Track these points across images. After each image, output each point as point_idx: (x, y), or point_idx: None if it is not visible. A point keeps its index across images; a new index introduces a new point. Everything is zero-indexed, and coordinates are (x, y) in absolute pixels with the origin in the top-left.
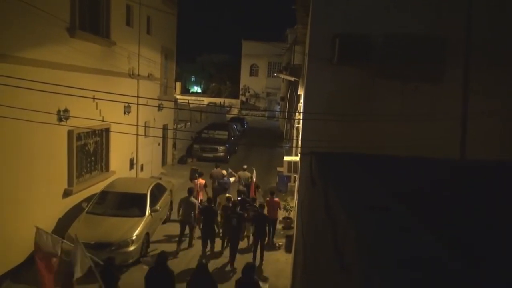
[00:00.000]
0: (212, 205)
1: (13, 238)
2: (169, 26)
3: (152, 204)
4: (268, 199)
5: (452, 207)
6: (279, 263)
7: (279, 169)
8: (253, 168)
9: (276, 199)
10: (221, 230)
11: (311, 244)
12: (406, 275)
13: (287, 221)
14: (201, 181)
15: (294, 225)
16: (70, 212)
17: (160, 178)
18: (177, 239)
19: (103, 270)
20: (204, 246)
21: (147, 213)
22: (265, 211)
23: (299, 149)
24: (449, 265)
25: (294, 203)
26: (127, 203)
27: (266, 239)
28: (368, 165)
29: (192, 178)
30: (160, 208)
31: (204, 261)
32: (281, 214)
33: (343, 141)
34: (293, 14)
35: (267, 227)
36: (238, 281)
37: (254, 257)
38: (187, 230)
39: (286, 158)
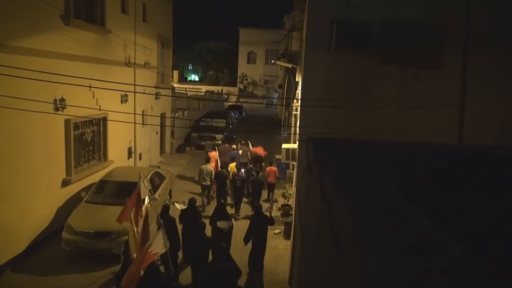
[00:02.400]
0: (224, 170)
1: (12, 228)
2: (165, 13)
3: (151, 193)
4: (268, 168)
5: (450, 192)
6: (278, 249)
7: (277, 156)
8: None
9: (274, 168)
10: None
11: (308, 230)
12: (402, 259)
13: (285, 208)
14: (214, 153)
15: (293, 212)
16: (69, 201)
17: (158, 167)
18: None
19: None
20: (218, 201)
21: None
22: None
23: (297, 136)
24: (447, 249)
25: (292, 190)
26: (126, 191)
27: (268, 198)
28: (366, 151)
29: (208, 151)
30: (159, 196)
31: (222, 201)
32: (280, 202)
33: (341, 127)
34: (291, 0)
35: (261, 189)
36: (252, 216)
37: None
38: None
39: (284, 146)
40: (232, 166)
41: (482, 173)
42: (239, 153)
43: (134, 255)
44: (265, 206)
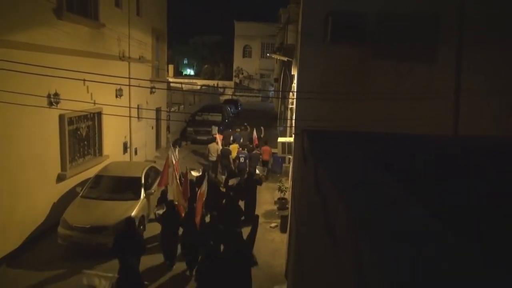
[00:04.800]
0: (228, 148)
1: (8, 223)
2: (160, 6)
3: (147, 187)
4: (263, 147)
5: (444, 182)
6: (274, 242)
7: (273, 150)
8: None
9: (268, 147)
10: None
11: (303, 222)
12: (396, 248)
13: (282, 201)
14: (220, 136)
15: (289, 205)
16: (65, 196)
17: (154, 162)
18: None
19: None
20: (222, 173)
21: (142, 196)
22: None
23: (293, 130)
24: (440, 238)
25: (289, 184)
26: (121, 186)
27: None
28: (361, 143)
29: (214, 134)
30: (154, 191)
31: (233, 167)
32: (276, 195)
33: (337, 120)
34: None
35: (257, 162)
36: (246, 177)
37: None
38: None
39: (280, 139)
40: (234, 146)
41: (476, 164)
42: (241, 136)
43: (176, 202)
44: (258, 169)
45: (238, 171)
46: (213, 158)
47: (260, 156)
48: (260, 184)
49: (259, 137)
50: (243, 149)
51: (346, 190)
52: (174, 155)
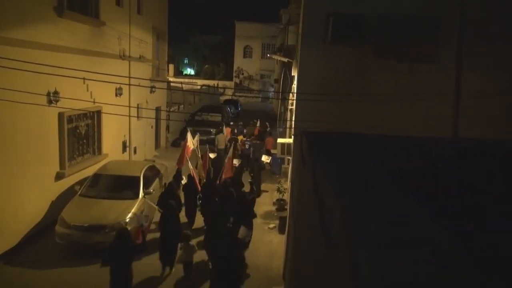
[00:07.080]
0: (235, 137)
1: (5, 221)
2: (161, 5)
3: (146, 187)
4: (267, 138)
5: (444, 185)
6: (272, 244)
7: (273, 151)
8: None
9: (272, 138)
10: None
11: (301, 223)
12: (394, 254)
13: (280, 203)
14: (228, 129)
15: (288, 206)
16: (63, 195)
17: (153, 161)
18: None
19: None
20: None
21: (140, 196)
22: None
23: (292, 131)
24: (439, 242)
25: (287, 185)
26: (120, 185)
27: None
28: (360, 144)
29: (220, 127)
30: (153, 190)
31: (243, 151)
32: (274, 196)
33: (337, 121)
34: None
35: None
36: (252, 163)
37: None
38: None
39: (279, 140)
40: (240, 137)
41: (477, 166)
42: (244, 129)
43: (197, 177)
44: (264, 157)
45: (243, 156)
46: (221, 147)
47: (264, 146)
48: (264, 168)
49: (264, 131)
50: (247, 139)
51: (344, 193)
52: (192, 139)
